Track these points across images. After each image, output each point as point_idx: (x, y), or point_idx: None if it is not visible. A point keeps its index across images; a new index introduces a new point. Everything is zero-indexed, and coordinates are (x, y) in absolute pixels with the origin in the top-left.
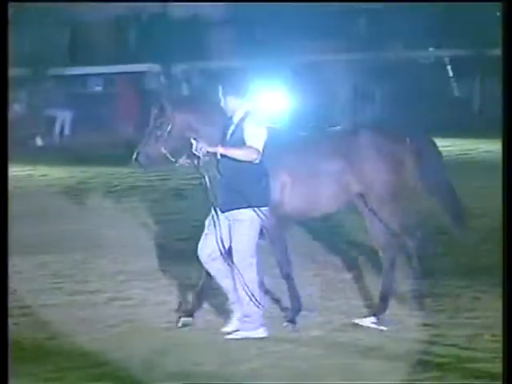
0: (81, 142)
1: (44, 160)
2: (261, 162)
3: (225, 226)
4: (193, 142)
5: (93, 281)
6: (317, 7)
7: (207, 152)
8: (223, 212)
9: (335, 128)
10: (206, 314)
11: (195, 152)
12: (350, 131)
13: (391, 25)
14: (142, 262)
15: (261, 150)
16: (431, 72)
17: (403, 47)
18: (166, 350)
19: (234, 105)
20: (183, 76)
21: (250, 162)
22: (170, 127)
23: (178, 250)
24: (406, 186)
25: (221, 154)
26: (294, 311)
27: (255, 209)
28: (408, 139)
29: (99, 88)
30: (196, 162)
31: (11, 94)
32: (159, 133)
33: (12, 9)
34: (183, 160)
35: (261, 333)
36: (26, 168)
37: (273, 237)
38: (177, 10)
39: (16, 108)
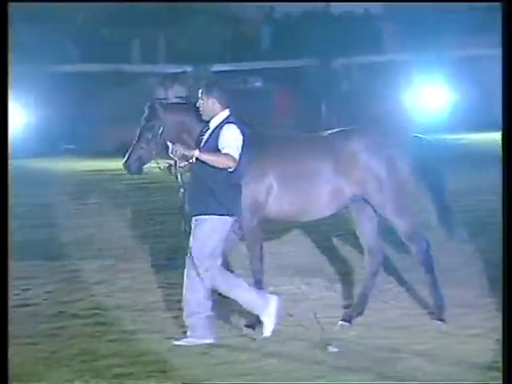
0: None
1: None
2: (235, 170)
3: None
4: (169, 144)
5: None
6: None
7: (183, 155)
8: (192, 216)
9: (327, 131)
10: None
11: (171, 155)
12: (341, 133)
13: None
14: (302, 256)
15: (237, 159)
16: None
17: None
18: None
19: (215, 108)
20: (343, 71)
21: (225, 169)
22: (161, 130)
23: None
24: (401, 188)
25: (196, 158)
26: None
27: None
28: (402, 141)
29: (259, 84)
30: (173, 168)
31: (173, 90)
32: (150, 135)
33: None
34: (164, 167)
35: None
36: None
37: (249, 242)
38: (335, 6)
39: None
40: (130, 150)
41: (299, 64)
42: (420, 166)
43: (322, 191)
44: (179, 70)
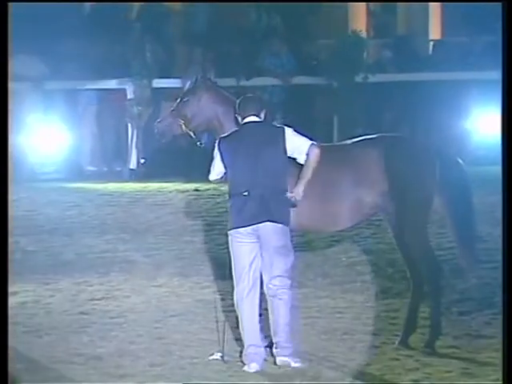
0: None
1: None
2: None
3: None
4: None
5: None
6: None
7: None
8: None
9: (349, 140)
10: None
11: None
12: (362, 142)
13: None
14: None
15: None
16: None
17: None
18: None
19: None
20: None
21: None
22: (195, 107)
23: None
24: (424, 202)
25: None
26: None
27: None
28: (431, 156)
29: None
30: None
31: None
32: (184, 108)
33: None
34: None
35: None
36: None
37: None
38: None
39: None
40: (166, 114)
41: None
42: (449, 187)
43: (341, 203)
44: None
